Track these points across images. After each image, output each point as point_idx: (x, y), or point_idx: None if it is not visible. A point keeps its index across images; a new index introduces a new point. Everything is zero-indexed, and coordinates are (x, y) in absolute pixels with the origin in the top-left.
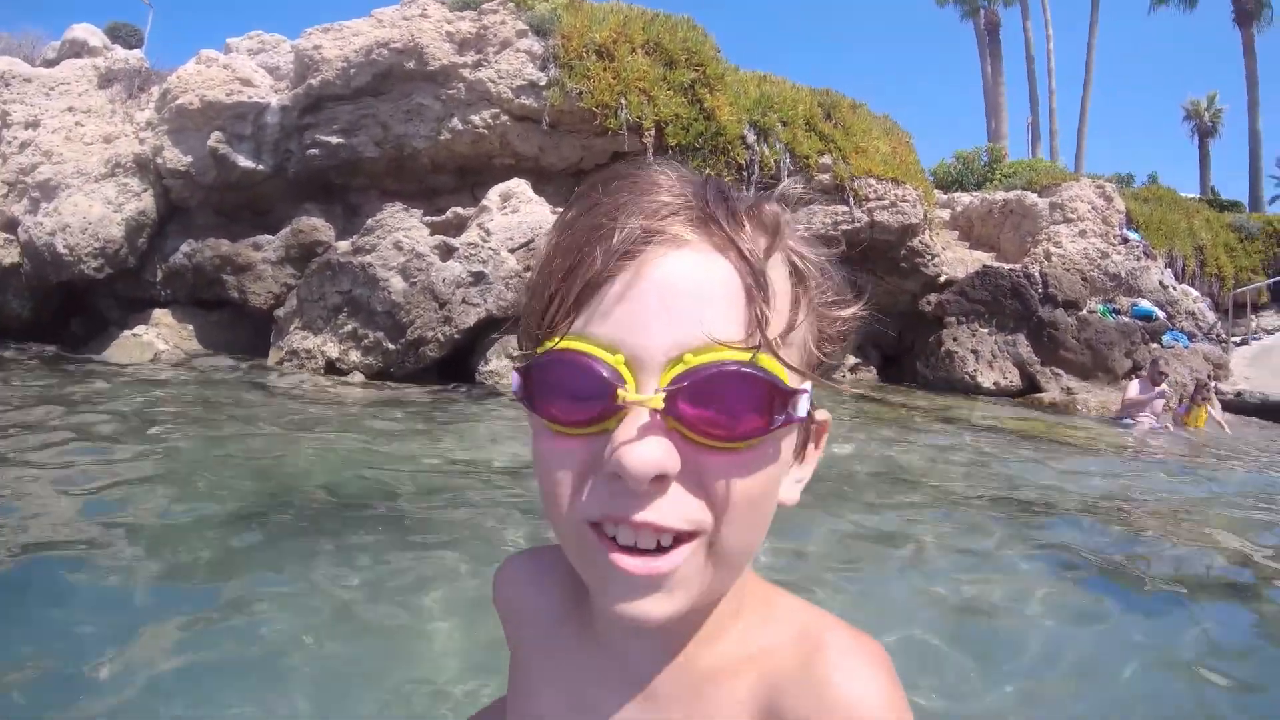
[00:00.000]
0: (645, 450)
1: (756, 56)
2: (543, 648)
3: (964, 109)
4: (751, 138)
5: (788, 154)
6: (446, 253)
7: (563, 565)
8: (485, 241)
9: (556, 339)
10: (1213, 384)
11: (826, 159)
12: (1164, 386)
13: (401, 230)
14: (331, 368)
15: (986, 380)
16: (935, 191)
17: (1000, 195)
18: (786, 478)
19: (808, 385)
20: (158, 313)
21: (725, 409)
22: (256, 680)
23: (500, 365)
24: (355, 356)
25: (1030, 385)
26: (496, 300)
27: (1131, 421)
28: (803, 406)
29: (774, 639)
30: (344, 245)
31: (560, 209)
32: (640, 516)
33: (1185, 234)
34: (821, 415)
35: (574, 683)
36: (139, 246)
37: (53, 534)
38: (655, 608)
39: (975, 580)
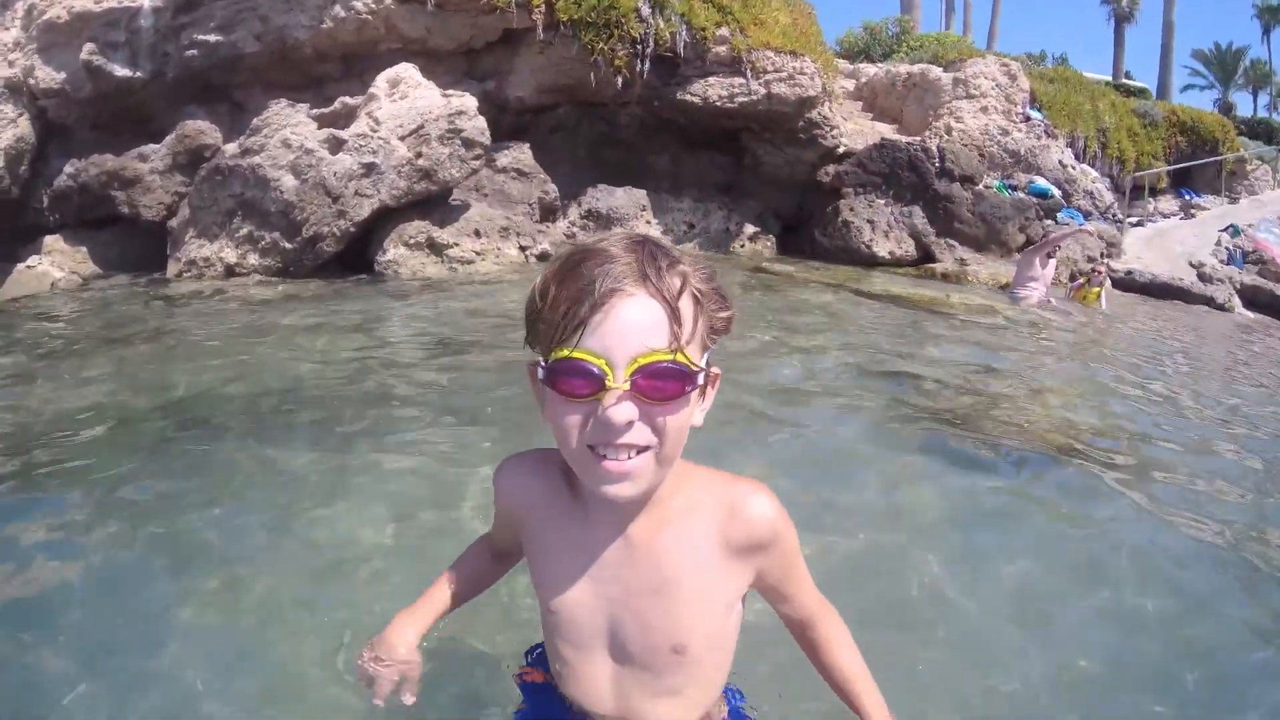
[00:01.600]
0: (620, 410)
1: None
2: (552, 522)
3: None
4: (646, 10)
5: (684, 26)
6: (336, 146)
7: (551, 462)
8: (375, 131)
9: (566, 349)
10: (1105, 269)
11: (724, 31)
12: (1054, 261)
13: (289, 127)
14: (231, 273)
15: (882, 250)
16: (840, 62)
17: (904, 68)
18: (697, 410)
19: (703, 363)
20: (48, 240)
21: (660, 384)
22: (192, 609)
23: (398, 254)
24: (254, 259)
25: (925, 255)
26: (390, 189)
27: (1021, 293)
28: (700, 377)
29: (704, 493)
30: (232, 148)
31: (451, 91)
32: (619, 440)
33: (1089, 116)
34: (715, 370)
35: (585, 545)
36: (21, 175)
37: None
38: (626, 490)
39: (816, 441)
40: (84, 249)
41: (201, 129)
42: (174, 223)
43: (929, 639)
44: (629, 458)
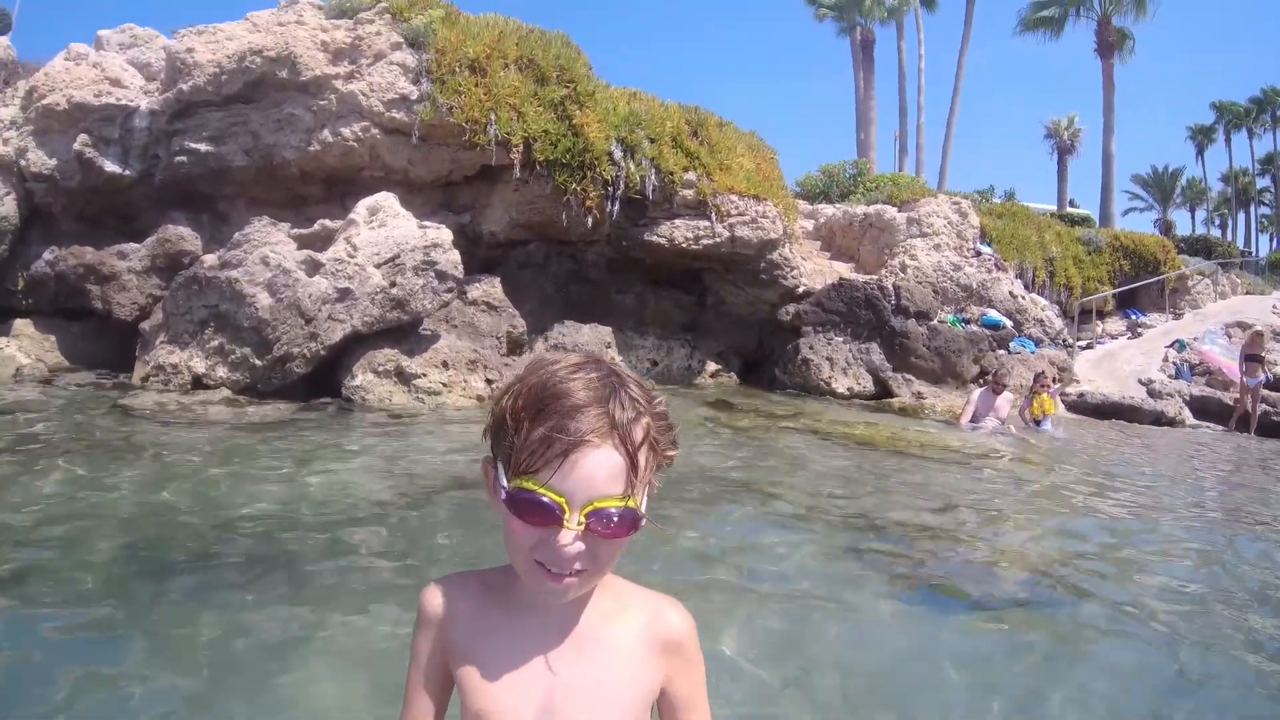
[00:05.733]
0: (571, 546)
1: (628, 72)
2: (485, 628)
3: (837, 120)
4: (618, 154)
5: (653, 170)
6: (313, 268)
7: (474, 579)
8: (352, 257)
9: (531, 483)
10: (1049, 376)
11: (691, 175)
12: (1007, 393)
13: (268, 245)
14: (198, 383)
15: (841, 386)
16: (800, 203)
17: (861, 209)
18: None
19: (644, 502)
20: (19, 323)
21: (611, 525)
22: None
23: (366, 380)
24: (222, 372)
25: (883, 390)
26: (362, 316)
27: (976, 426)
28: (645, 519)
29: (630, 601)
30: (211, 259)
31: (427, 223)
32: (568, 567)
33: (1036, 247)
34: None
35: (515, 647)
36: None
37: None
38: (564, 596)
39: (786, 589)
40: (53, 338)
41: (183, 235)
42: (146, 325)
43: None
44: (570, 573)
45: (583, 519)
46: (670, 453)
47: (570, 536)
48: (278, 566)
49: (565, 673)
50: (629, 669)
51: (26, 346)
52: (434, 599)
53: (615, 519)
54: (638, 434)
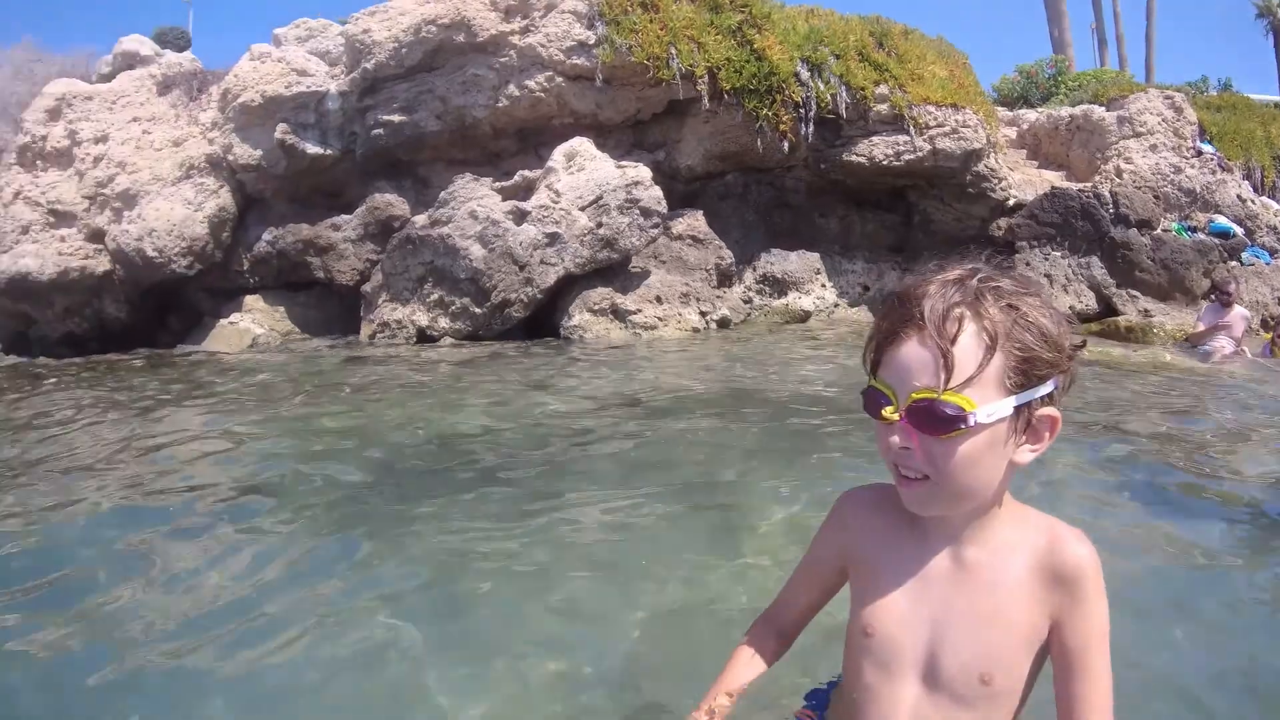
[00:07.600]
0: (895, 437)
1: None
2: (888, 543)
3: (1024, 17)
4: (805, 74)
5: (843, 87)
6: (520, 217)
7: (894, 497)
8: (556, 203)
9: (871, 379)
10: None
11: (883, 89)
12: (1238, 308)
13: (474, 200)
14: (423, 335)
15: (1062, 305)
16: (999, 110)
17: (1066, 111)
18: (1021, 448)
19: (1010, 404)
20: (249, 299)
21: (926, 421)
22: (377, 646)
23: (583, 319)
24: (444, 323)
25: (1107, 309)
26: (573, 258)
27: (1208, 349)
28: (980, 417)
29: (1033, 531)
30: (421, 219)
31: (624, 162)
32: (900, 464)
33: (1262, 143)
34: (1050, 412)
35: (913, 571)
36: (223, 240)
37: (197, 501)
38: (920, 509)
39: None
40: (281, 309)
41: (390, 201)
42: (367, 287)
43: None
44: (913, 479)
45: (904, 409)
46: (1041, 353)
47: (895, 424)
48: (510, 479)
49: (956, 602)
50: (1016, 603)
51: (259, 319)
52: (852, 504)
53: (927, 413)
54: (951, 327)
